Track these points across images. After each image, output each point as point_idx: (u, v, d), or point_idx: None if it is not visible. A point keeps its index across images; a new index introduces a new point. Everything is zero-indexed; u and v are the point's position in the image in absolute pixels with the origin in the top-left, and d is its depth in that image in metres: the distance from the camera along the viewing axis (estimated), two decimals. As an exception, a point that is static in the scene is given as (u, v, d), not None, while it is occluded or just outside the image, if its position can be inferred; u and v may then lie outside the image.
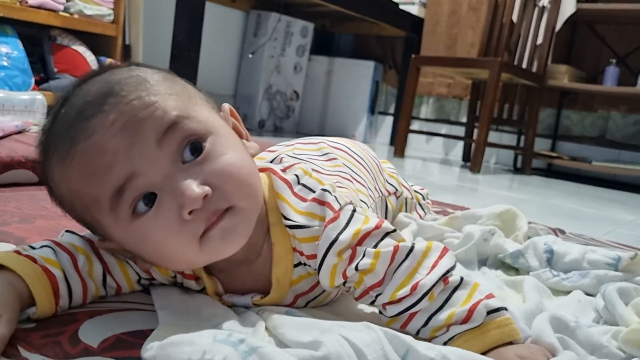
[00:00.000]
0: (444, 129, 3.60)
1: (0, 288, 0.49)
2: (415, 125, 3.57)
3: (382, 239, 0.53)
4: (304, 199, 0.55)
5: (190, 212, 0.47)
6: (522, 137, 3.20)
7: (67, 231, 0.58)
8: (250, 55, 3.43)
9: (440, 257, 0.53)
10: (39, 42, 2.28)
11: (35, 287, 0.49)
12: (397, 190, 0.91)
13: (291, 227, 0.55)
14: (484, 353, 0.48)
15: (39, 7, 2.17)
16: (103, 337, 0.49)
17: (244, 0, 3.46)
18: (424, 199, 1.04)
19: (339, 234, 0.53)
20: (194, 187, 0.47)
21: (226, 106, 0.59)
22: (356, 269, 0.52)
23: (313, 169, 0.60)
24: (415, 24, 3.63)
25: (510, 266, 0.85)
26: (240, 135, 0.58)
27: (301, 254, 0.56)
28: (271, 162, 0.68)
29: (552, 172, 3.23)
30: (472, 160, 2.69)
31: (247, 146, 0.58)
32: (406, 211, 0.95)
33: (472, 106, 3.19)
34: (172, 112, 0.48)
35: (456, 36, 3.51)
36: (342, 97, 3.81)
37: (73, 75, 2.31)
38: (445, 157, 3.55)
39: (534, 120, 2.95)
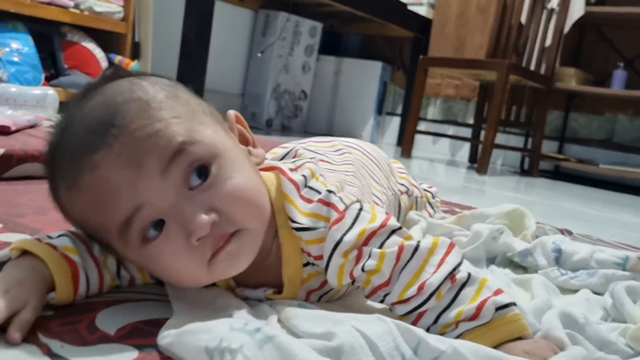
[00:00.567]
0: (451, 130, 3.60)
1: (28, 273, 0.50)
2: (422, 126, 3.57)
3: (388, 237, 0.53)
4: (310, 201, 0.56)
5: (198, 239, 0.48)
6: (530, 139, 3.20)
7: None
8: (259, 55, 3.44)
9: (447, 254, 0.53)
10: (49, 38, 2.29)
11: (57, 273, 0.50)
12: (408, 189, 0.92)
13: (297, 229, 0.55)
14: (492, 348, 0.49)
15: (49, 4, 2.18)
16: (120, 325, 0.50)
17: (253, 0, 3.47)
18: (432, 197, 1.04)
19: (344, 234, 0.53)
20: (202, 216, 0.48)
21: (231, 113, 0.59)
22: (362, 269, 0.53)
23: (326, 169, 0.61)
24: (423, 25, 3.63)
25: (519, 265, 0.86)
26: (247, 142, 0.59)
27: (308, 254, 0.56)
28: (285, 155, 0.69)
29: (559, 174, 3.23)
30: (479, 162, 2.69)
31: (254, 154, 0.58)
32: (416, 209, 0.96)
33: (480, 108, 3.19)
34: (176, 139, 0.48)
35: (464, 37, 3.51)
36: (350, 97, 3.81)
37: (83, 72, 2.33)
38: (451, 158, 3.55)
39: (541, 122, 2.95)
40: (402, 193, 0.89)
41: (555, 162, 3.03)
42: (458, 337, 0.51)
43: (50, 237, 0.54)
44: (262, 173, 0.59)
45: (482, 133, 2.97)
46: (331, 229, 0.54)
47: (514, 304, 0.51)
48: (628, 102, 3.05)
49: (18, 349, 0.44)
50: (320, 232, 0.54)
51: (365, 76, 3.75)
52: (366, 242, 0.53)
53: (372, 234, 0.53)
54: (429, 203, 1.02)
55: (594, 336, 0.55)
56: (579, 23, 2.91)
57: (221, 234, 0.50)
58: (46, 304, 0.51)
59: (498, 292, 0.52)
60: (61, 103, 1.80)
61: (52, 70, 2.28)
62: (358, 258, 0.53)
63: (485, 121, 2.82)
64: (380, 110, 3.81)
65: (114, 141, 0.47)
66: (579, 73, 3.00)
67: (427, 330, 0.52)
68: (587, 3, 2.89)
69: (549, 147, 3.24)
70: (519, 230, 0.96)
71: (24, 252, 0.52)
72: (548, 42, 2.84)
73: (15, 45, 2.09)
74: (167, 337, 0.45)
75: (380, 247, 0.53)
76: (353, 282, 0.55)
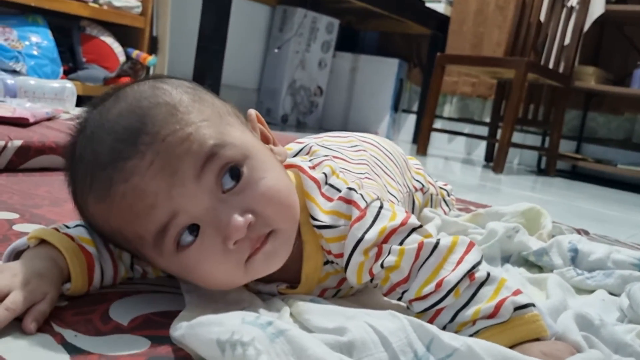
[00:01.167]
0: (467, 128, 3.58)
1: (47, 265, 0.50)
2: (438, 124, 3.55)
3: (408, 235, 0.53)
4: (330, 199, 0.56)
5: (234, 242, 0.48)
6: (547, 139, 3.16)
7: None
8: (275, 50, 3.44)
9: (466, 252, 0.52)
10: (68, 32, 2.31)
11: (73, 264, 0.51)
12: (423, 186, 0.91)
13: (318, 227, 0.55)
14: (509, 348, 0.48)
15: (69, -2, 2.20)
16: (133, 316, 0.50)
17: (270, -5, 3.48)
18: (448, 195, 1.04)
19: (365, 232, 0.53)
20: (238, 219, 0.47)
21: (252, 113, 0.59)
22: (382, 266, 0.53)
23: (341, 169, 0.61)
24: (441, 22, 3.61)
25: (534, 264, 0.85)
26: (267, 141, 0.59)
27: (329, 252, 0.56)
28: (299, 151, 0.69)
29: (576, 174, 3.20)
30: (495, 160, 2.67)
31: (277, 152, 0.58)
32: (431, 207, 0.95)
33: (497, 106, 3.16)
34: (208, 142, 0.47)
35: (482, 35, 3.49)
36: (366, 94, 3.80)
37: (101, 66, 2.34)
38: (467, 157, 3.53)
39: (559, 121, 2.92)
40: (416, 190, 0.89)
41: (573, 162, 2.99)
42: (474, 334, 0.50)
43: (67, 227, 0.54)
44: None
45: (499, 131, 2.95)
46: (352, 227, 0.54)
47: (533, 304, 0.51)
48: (648, 102, 3.01)
49: (32, 338, 0.44)
50: (341, 230, 0.54)
51: (381, 73, 3.74)
52: (386, 240, 0.53)
53: (393, 231, 0.53)
54: (444, 201, 1.01)
55: (610, 338, 0.54)
56: (599, 21, 2.87)
57: (258, 235, 0.50)
58: (60, 294, 0.51)
59: (517, 292, 0.51)
60: (79, 97, 1.81)
61: (70, 63, 2.30)
62: (378, 255, 0.53)
63: (502, 119, 2.79)
64: (396, 107, 3.79)
65: (145, 149, 0.46)
66: (598, 72, 2.96)
67: (444, 328, 0.51)
68: (608, 1, 2.85)
69: (566, 146, 3.21)
70: (534, 229, 0.95)
71: (42, 241, 0.52)
72: (567, 41, 2.81)
73: (34, 38, 2.12)
74: (179, 329, 0.45)
75: (400, 244, 0.53)
76: (372, 280, 0.55)
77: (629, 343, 0.55)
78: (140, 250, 0.50)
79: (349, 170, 0.67)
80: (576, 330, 0.52)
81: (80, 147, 0.50)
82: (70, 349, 0.43)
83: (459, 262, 0.51)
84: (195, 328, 0.43)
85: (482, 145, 3.48)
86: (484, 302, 0.50)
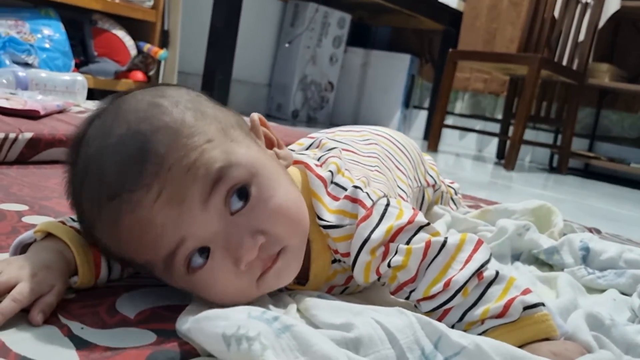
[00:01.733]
0: (478, 125, 3.55)
1: (55, 257, 0.50)
2: (449, 121, 3.53)
3: (415, 233, 0.53)
4: (336, 198, 0.55)
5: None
6: (559, 136, 3.14)
7: None
8: (286, 45, 3.44)
9: (475, 250, 0.52)
10: (80, 25, 2.32)
11: (80, 257, 0.51)
12: (436, 182, 0.91)
13: (325, 227, 0.55)
14: (518, 347, 0.48)
15: (81, -9, 2.21)
16: (139, 309, 0.50)
17: (282, -10, 3.47)
18: (455, 193, 1.03)
19: (372, 232, 0.53)
20: (249, 242, 0.47)
21: (255, 118, 0.57)
22: (389, 265, 0.52)
23: (351, 160, 0.60)
24: (454, 18, 3.58)
25: (544, 262, 0.84)
26: (272, 144, 0.58)
27: (336, 252, 0.56)
28: (310, 145, 0.69)
29: (588, 172, 3.17)
30: (506, 158, 2.65)
31: (282, 156, 0.57)
32: (441, 204, 0.95)
33: (509, 103, 3.14)
34: (214, 166, 0.46)
35: (495, 31, 3.46)
36: (377, 90, 3.79)
37: (112, 59, 2.35)
38: (478, 154, 3.51)
39: (572, 119, 2.89)
40: (428, 185, 0.88)
41: (585, 160, 2.97)
42: (483, 333, 0.50)
43: (73, 220, 0.54)
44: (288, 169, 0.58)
45: (511, 128, 2.93)
46: (359, 227, 0.53)
47: (542, 304, 0.50)
48: (663, 100, 2.97)
49: (39, 330, 0.44)
50: (348, 229, 0.54)
51: (393, 69, 3.72)
52: (393, 239, 0.53)
53: (400, 230, 0.53)
54: (452, 199, 1.01)
55: (620, 338, 0.54)
56: (614, 18, 2.84)
57: (269, 255, 0.49)
58: (68, 287, 0.51)
59: (526, 291, 0.51)
60: (90, 90, 1.82)
61: (82, 57, 2.31)
62: (385, 254, 0.53)
63: (514, 116, 2.77)
64: (407, 103, 3.77)
65: (151, 180, 0.44)
66: (613, 69, 2.93)
67: (452, 327, 0.51)
68: (623, -3, 2.81)
69: (579, 144, 3.18)
70: (545, 227, 0.94)
71: (48, 234, 0.52)
72: (581, 37, 2.78)
73: (47, 31, 2.12)
74: (185, 322, 0.45)
75: (407, 243, 0.52)
76: (379, 279, 0.55)
77: (640, 343, 0.54)
78: (151, 273, 0.50)
79: (359, 162, 0.67)
80: (587, 330, 0.51)
81: (82, 170, 0.48)
82: (77, 341, 0.43)
83: (467, 261, 0.51)
84: (201, 322, 0.43)
85: (494, 142, 3.46)
86: (493, 302, 0.50)
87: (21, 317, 0.45)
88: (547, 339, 0.49)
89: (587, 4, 2.78)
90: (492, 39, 3.47)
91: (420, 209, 0.87)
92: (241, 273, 0.48)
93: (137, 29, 2.45)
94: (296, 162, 0.60)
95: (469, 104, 3.64)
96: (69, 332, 0.45)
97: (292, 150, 0.70)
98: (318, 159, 0.61)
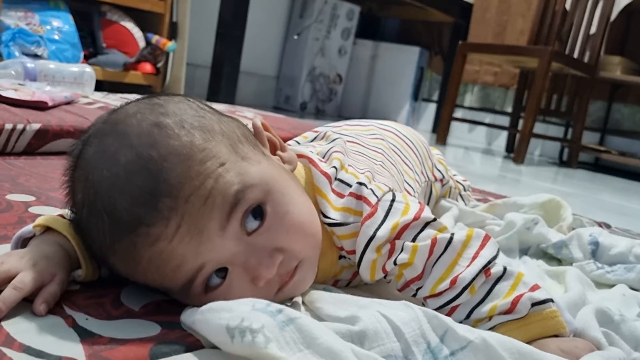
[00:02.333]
0: (488, 118, 3.53)
1: (53, 249, 0.50)
2: (458, 114, 3.51)
3: (421, 230, 0.52)
4: (341, 195, 0.55)
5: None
6: (570, 130, 3.11)
7: None
8: (295, 37, 3.43)
9: (482, 247, 0.51)
10: (89, 17, 2.32)
11: (81, 250, 0.50)
12: (444, 177, 0.90)
13: (330, 224, 0.55)
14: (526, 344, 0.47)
15: (90, -17, 2.21)
16: (144, 301, 0.50)
17: (291, -19, 3.45)
18: (464, 189, 1.02)
19: (377, 230, 0.52)
20: (268, 261, 0.47)
21: (258, 125, 0.56)
22: (395, 263, 0.52)
23: (356, 152, 0.59)
24: (464, 10, 3.56)
25: (553, 257, 0.83)
26: (275, 147, 0.57)
27: (341, 249, 0.56)
28: (315, 138, 0.68)
29: (599, 166, 3.14)
30: (515, 151, 2.63)
31: (287, 160, 0.57)
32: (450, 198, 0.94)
33: (519, 96, 3.11)
34: (230, 191, 0.45)
35: (506, 23, 3.43)
36: (386, 82, 3.77)
37: (121, 51, 2.35)
38: (488, 147, 3.49)
39: (583, 112, 2.86)
40: (436, 180, 0.87)
41: (596, 154, 2.94)
42: (490, 329, 0.49)
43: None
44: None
45: (520, 122, 2.91)
46: (364, 225, 0.53)
47: (551, 300, 0.50)
48: (675, 94, 2.94)
49: (43, 320, 0.44)
50: (353, 227, 0.54)
51: (402, 61, 3.70)
52: (399, 236, 0.52)
53: (405, 227, 0.52)
54: (460, 195, 1.00)
55: (630, 334, 0.53)
56: (627, 10, 2.80)
57: (287, 270, 0.49)
58: (72, 280, 0.51)
59: (535, 287, 0.50)
60: (98, 81, 1.82)
61: (90, 48, 2.31)
62: (391, 252, 0.52)
63: (524, 110, 2.75)
64: (416, 96, 3.76)
65: (169, 214, 0.43)
66: (625, 62, 2.90)
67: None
68: (636, -11, 2.78)
69: (589, 138, 3.15)
70: (553, 221, 0.93)
71: (47, 229, 0.52)
72: (593, 29, 2.75)
73: (56, 23, 2.13)
74: (190, 314, 0.45)
75: (414, 240, 0.52)
76: (385, 277, 0.54)
77: (650, 339, 0.53)
78: (168, 292, 0.49)
79: (364, 154, 0.66)
80: (596, 327, 0.51)
81: (88, 200, 0.46)
82: (81, 332, 0.43)
83: (474, 258, 0.50)
84: (205, 314, 0.43)
85: (503, 135, 3.44)
86: (501, 299, 0.49)
87: (25, 308, 0.45)
88: (555, 336, 0.49)
89: (599, -5, 2.75)
90: (503, 31, 3.44)
91: (428, 204, 0.86)
92: (259, 290, 0.48)
93: (146, 20, 2.45)
94: (300, 156, 0.59)
95: (478, 97, 3.61)
96: (73, 322, 0.44)
97: (297, 142, 0.69)
98: (323, 156, 0.60)
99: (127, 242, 0.44)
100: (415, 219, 0.53)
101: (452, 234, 0.52)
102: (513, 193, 1.49)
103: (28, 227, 0.53)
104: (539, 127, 3.02)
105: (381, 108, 3.78)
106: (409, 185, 0.73)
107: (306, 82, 3.50)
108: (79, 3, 2.26)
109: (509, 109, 3.37)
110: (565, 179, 2.41)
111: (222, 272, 0.47)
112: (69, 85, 1.48)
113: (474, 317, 0.50)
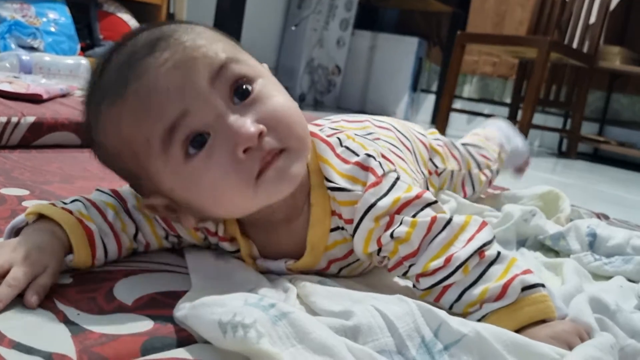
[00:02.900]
0: (487, 109, 3.52)
1: (47, 237, 0.50)
2: (457, 104, 3.50)
3: (422, 209, 0.53)
4: (346, 161, 0.55)
5: (244, 151, 0.47)
6: (569, 120, 3.10)
7: (97, 190, 0.58)
8: (293, 28, 3.41)
9: (478, 231, 0.52)
10: (85, 9, 2.31)
11: (74, 237, 0.50)
12: (437, 167, 0.88)
13: (332, 189, 0.54)
14: (516, 331, 0.47)
15: (86, -26, 2.19)
16: (137, 295, 0.50)
17: (289, -28, 3.43)
18: (479, 167, 0.95)
19: (379, 199, 0.52)
20: (249, 125, 0.47)
21: (265, 67, 0.58)
22: (391, 236, 0.52)
23: (356, 134, 0.60)
24: (462, 0, 3.53)
25: (550, 248, 0.83)
26: None
27: (340, 217, 0.55)
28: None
29: (598, 157, 3.13)
30: (514, 142, 2.62)
31: None
32: (450, 185, 0.91)
33: (518, 86, 3.10)
34: (222, 54, 0.49)
35: (504, 13, 3.41)
36: (385, 73, 3.75)
37: (118, 43, 2.34)
38: (487, 138, 3.47)
39: (582, 102, 2.85)
40: (431, 174, 0.86)
41: (595, 145, 2.94)
42: (482, 318, 0.49)
43: (64, 203, 0.54)
44: None
45: (520, 112, 2.90)
46: (366, 192, 0.53)
47: (542, 284, 0.50)
48: (675, 84, 2.93)
49: (34, 314, 0.44)
50: (356, 195, 0.54)
51: (400, 52, 3.68)
52: (399, 211, 0.52)
53: (407, 203, 0.53)
54: (470, 176, 0.93)
55: (625, 325, 0.53)
56: (626, -1, 2.79)
57: (269, 148, 0.48)
58: (66, 269, 0.51)
59: (527, 271, 0.50)
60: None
61: (87, 40, 2.30)
62: (389, 225, 0.52)
63: (523, 100, 2.74)
64: (415, 87, 3.74)
65: (162, 50, 0.47)
66: (624, 52, 2.88)
67: (451, 307, 0.51)
68: (636, -22, 2.76)
69: (588, 128, 3.14)
70: (552, 212, 0.93)
71: (40, 217, 0.52)
72: (592, 19, 2.73)
73: (52, 15, 2.11)
74: (182, 309, 0.45)
75: (413, 217, 0.52)
76: (379, 252, 0.54)
77: (646, 331, 0.53)
78: (146, 166, 0.49)
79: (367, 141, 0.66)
80: (589, 312, 0.50)
81: (99, 68, 0.51)
82: (72, 327, 0.43)
83: (469, 240, 0.51)
84: (197, 309, 0.43)
85: (502, 126, 3.43)
86: (493, 281, 0.49)
87: (16, 303, 0.44)
88: (544, 321, 0.48)
89: (598, -15, 2.73)
90: (501, 21, 3.42)
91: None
92: (239, 163, 0.47)
93: (143, 12, 2.43)
94: None
95: (477, 88, 3.60)
96: (64, 318, 0.44)
97: None
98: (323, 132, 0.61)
99: (120, 78, 0.48)
100: (417, 197, 0.53)
101: (452, 216, 0.52)
102: (512, 184, 1.49)
103: (21, 217, 0.53)
104: (537, 118, 3.01)
105: (380, 99, 3.77)
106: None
107: (304, 74, 3.48)
108: (75, -6, 2.24)
109: (508, 100, 3.36)
110: (564, 169, 2.40)
111: (203, 144, 0.47)
112: (64, 78, 1.48)
113: (465, 300, 0.50)
